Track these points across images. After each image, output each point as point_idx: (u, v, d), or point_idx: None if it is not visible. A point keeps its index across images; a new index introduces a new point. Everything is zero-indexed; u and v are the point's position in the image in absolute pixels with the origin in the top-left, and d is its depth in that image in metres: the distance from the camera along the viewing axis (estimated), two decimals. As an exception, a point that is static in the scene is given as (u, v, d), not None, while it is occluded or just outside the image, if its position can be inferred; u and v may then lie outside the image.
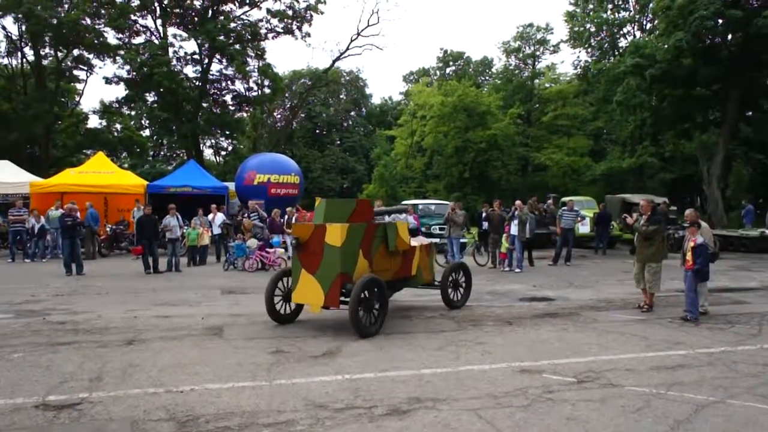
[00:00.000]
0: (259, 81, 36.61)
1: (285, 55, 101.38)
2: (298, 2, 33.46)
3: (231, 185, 23.37)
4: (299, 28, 34.11)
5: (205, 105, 33.72)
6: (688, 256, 8.51)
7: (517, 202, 15.42)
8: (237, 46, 32.50)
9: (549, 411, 4.73)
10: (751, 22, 22.68)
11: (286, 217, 18.05)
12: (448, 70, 60.73)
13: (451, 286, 9.58)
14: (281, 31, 33.84)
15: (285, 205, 20.19)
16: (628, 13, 43.18)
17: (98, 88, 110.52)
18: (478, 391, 5.22)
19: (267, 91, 36.95)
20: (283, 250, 16.07)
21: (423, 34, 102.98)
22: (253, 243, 15.63)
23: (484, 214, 18.07)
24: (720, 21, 24.33)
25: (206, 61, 32.68)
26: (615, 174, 37.90)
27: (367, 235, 7.92)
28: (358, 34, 38.56)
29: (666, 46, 26.08)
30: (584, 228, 20.83)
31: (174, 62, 31.93)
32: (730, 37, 25.77)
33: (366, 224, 7.97)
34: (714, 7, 23.38)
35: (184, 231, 16.71)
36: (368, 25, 39.58)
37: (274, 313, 8.12)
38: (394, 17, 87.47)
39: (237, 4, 32.77)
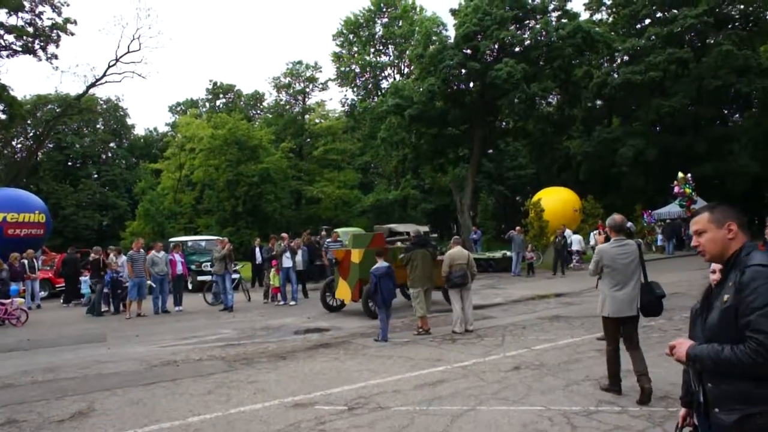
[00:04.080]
0: (-8, 105, 31.51)
1: (27, 78, 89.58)
2: (41, 19, 29.69)
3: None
4: (43, 48, 30.23)
5: None
6: None
7: (283, 235, 15.51)
8: (-39, 63, 27.68)
9: (321, 444, 4.67)
10: (487, 73, 26.25)
11: (26, 262, 15.73)
12: (218, 102, 59.48)
13: None
14: (19, 49, 29.66)
15: (27, 247, 17.57)
16: (388, 57, 47.17)
17: None
18: (249, 433, 4.97)
19: (2, 116, 31.95)
20: (22, 299, 13.80)
21: (191, 65, 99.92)
22: (-18, 294, 13.17)
23: (257, 249, 17.83)
24: (463, 70, 27.72)
25: None
26: (383, 205, 40.56)
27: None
28: (117, 60, 35.64)
29: (421, 89, 28.83)
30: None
31: None
32: (472, 84, 29.49)
33: (379, 249, 10.90)
34: (458, 58, 26.65)
35: None
36: (128, 51, 36.53)
37: (326, 305, 12.68)
38: (158, 45, 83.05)
39: (-41, 14, 27.95)
